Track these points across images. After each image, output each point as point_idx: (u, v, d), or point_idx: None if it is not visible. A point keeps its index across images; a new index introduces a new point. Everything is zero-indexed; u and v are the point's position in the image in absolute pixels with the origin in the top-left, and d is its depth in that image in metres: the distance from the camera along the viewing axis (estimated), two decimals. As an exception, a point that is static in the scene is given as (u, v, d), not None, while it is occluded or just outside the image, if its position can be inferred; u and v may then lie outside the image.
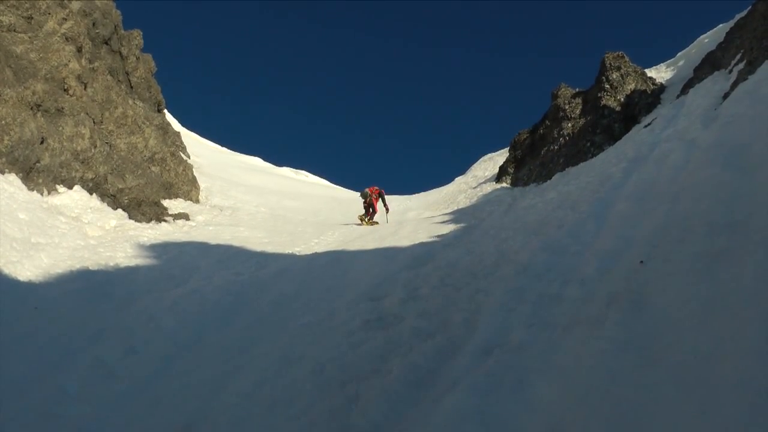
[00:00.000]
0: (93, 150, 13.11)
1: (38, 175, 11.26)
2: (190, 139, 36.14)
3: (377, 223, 16.80)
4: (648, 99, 17.05)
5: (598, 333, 3.79)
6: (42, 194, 11.01)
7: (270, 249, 11.05)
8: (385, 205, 17.33)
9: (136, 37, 19.85)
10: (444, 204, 21.83)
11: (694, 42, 20.17)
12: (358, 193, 19.04)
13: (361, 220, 16.91)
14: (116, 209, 12.52)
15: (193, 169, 19.32)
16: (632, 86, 18.05)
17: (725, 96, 10.44)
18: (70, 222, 10.39)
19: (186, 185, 17.36)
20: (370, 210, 17.18)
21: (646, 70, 19.52)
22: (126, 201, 13.33)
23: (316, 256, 10.20)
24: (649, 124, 14.18)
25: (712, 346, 3.12)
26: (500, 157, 26.76)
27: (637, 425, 2.89)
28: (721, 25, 18.47)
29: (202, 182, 19.59)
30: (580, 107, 19.54)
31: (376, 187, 17.34)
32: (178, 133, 24.51)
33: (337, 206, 22.99)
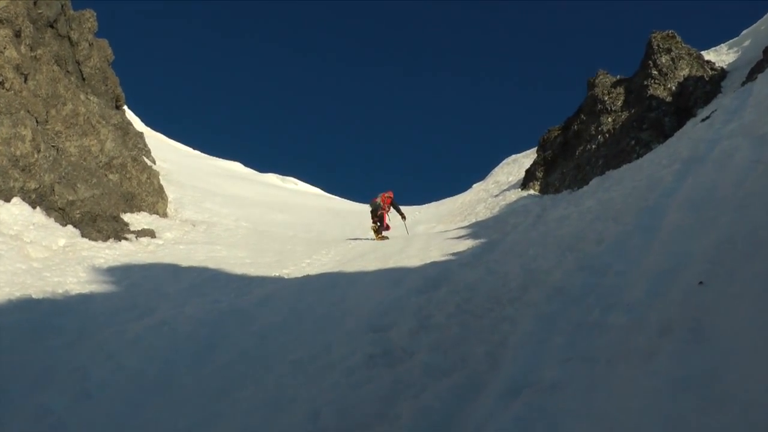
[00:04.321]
0: (36, 155, 13.19)
1: (-27, 185, 11.34)
2: (156, 140, 36.36)
3: (387, 238, 16.92)
4: (705, 87, 17.10)
5: (648, 368, 3.79)
6: (-24, 208, 11.06)
7: (253, 271, 11.10)
8: (400, 213, 17.62)
9: (89, 18, 19.98)
10: (460, 215, 21.88)
11: (764, 17, 20.23)
12: (358, 204, 19.17)
13: (376, 232, 17.20)
14: (66, 226, 12.57)
15: (160, 177, 19.42)
16: (686, 72, 18.11)
17: (800, 82, 10.46)
18: (8, 241, 10.42)
19: (151, 196, 17.43)
20: (384, 222, 17.39)
21: (703, 53, 19.60)
22: (78, 216, 13.38)
23: (308, 280, 10.23)
24: (707, 118, 14.21)
25: (787, 383, 3.12)
26: (526, 159, 26.85)
27: (698, 479, 2.88)
28: (797, -5, 18.50)
29: (171, 192, 19.67)
30: (623, 98, 19.61)
31: (386, 194, 17.49)
32: (141, 133, 24.69)
33: (332, 219, 23.05)
